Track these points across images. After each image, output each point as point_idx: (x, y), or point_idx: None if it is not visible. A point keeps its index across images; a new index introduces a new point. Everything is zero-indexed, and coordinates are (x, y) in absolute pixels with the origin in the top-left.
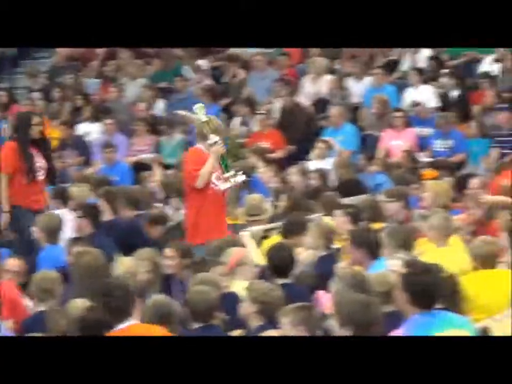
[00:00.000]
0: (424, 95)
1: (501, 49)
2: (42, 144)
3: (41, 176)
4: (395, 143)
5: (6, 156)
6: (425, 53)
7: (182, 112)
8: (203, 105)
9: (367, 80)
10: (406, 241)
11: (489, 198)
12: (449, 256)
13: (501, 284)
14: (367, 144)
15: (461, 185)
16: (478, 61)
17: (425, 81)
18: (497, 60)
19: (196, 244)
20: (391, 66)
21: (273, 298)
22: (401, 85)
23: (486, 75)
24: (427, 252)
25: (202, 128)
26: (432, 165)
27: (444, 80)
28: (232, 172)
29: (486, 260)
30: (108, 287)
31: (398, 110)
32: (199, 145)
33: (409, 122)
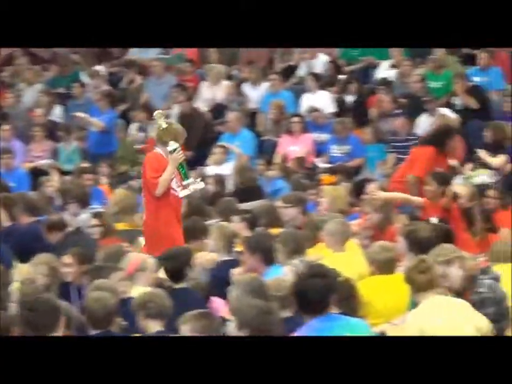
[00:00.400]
0: (321, 101)
1: (398, 55)
2: None
3: None
4: (292, 148)
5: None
6: (322, 58)
7: (81, 115)
8: (163, 111)
9: (264, 86)
10: (299, 247)
11: (382, 194)
12: (346, 261)
13: (398, 288)
14: (265, 150)
15: (358, 190)
16: (374, 66)
17: (322, 87)
18: (393, 66)
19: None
20: (289, 72)
21: (159, 305)
22: (299, 91)
23: (383, 81)
24: (324, 257)
25: (162, 134)
26: (329, 170)
27: (340, 85)
28: (191, 179)
29: (384, 265)
30: (32, 303)
31: (295, 115)
32: (158, 150)
33: (306, 127)
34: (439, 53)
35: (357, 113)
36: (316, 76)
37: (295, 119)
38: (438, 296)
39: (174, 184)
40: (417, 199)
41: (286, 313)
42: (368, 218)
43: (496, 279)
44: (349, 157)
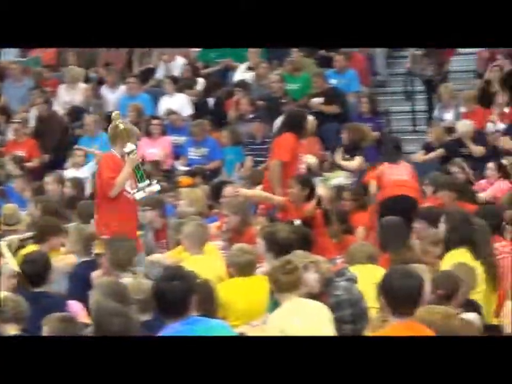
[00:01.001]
0: (179, 103)
1: (255, 57)
2: None
3: None
4: (151, 151)
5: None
6: (180, 61)
7: None
8: (119, 112)
9: (122, 89)
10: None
11: (244, 192)
12: (205, 263)
13: (257, 290)
14: None
15: (216, 192)
16: (232, 69)
17: (180, 89)
18: (250, 68)
19: None
20: (147, 74)
21: (13, 309)
22: (157, 93)
23: (240, 83)
24: (183, 260)
25: (119, 135)
26: (187, 173)
27: (198, 88)
28: (147, 182)
29: (243, 268)
30: None
31: (153, 118)
32: (113, 151)
33: (165, 130)
34: (295, 54)
35: (214, 116)
36: (173, 79)
37: (153, 121)
38: (298, 298)
39: (127, 187)
40: (278, 198)
41: (146, 317)
42: (227, 221)
43: (352, 280)
44: (206, 159)
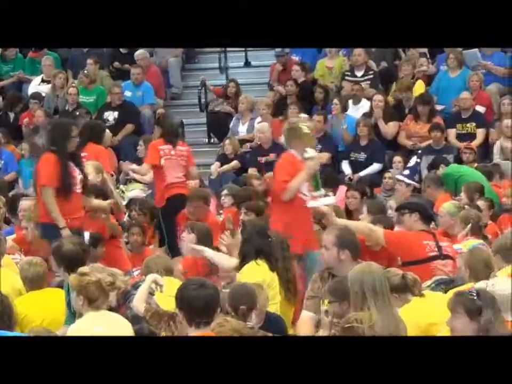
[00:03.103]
0: None
1: (51, 69)
2: (76, 157)
3: (78, 190)
4: None
5: (49, 169)
6: None
7: None
8: (307, 116)
9: None
10: None
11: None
12: (2, 277)
13: (52, 303)
14: None
15: (12, 205)
16: (26, 81)
17: None
18: (44, 81)
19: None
20: None
21: None
22: None
23: (35, 95)
24: None
25: (299, 137)
26: None
27: None
28: (322, 192)
29: (32, 281)
30: None
31: None
32: (293, 152)
33: None
34: (90, 66)
35: (13, 128)
36: None
37: None
38: (99, 309)
39: (304, 190)
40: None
41: None
42: (24, 233)
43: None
44: (1, 171)
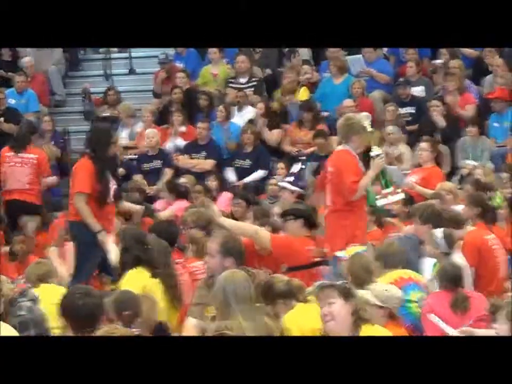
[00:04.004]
0: None
1: None
2: (113, 163)
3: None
4: None
5: (85, 175)
6: None
7: None
8: (369, 115)
9: None
10: None
11: None
12: None
13: None
14: None
15: None
16: None
17: None
18: None
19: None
20: None
21: None
22: None
23: None
24: None
25: (367, 137)
26: None
27: None
28: (391, 189)
29: None
30: None
31: None
32: (347, 148)
33: None
34: None
35: None
36: None
37: None
38: None
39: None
40: None
41: None
42: None
43: (34, 300)
44: None
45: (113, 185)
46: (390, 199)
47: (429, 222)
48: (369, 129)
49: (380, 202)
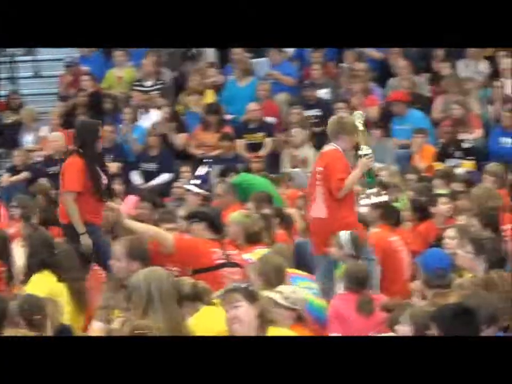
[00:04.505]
0: None
1: None
2: (102, 158)
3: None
4: None
5: (74, 173)
6: None
7: None
8: (362, 113)
9: None
10: None
11: None
12: None
13: None
14: None
15: None
16: None
17: None
18: None
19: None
20: None
21: None
22: None
23: None
24: None
25: (356, 137)
26: None
27: None
28: (375, 190)
29: None
30: None
31: None
32: (335, 147)
33: None
34: None
35: None
36: None
37: None
38: None
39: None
40: None
41: None
42: None
43: None
44: None
45: (104, 180)
46: (373, 199)
47: None
48: (361, 128)
49: (363, 202)
